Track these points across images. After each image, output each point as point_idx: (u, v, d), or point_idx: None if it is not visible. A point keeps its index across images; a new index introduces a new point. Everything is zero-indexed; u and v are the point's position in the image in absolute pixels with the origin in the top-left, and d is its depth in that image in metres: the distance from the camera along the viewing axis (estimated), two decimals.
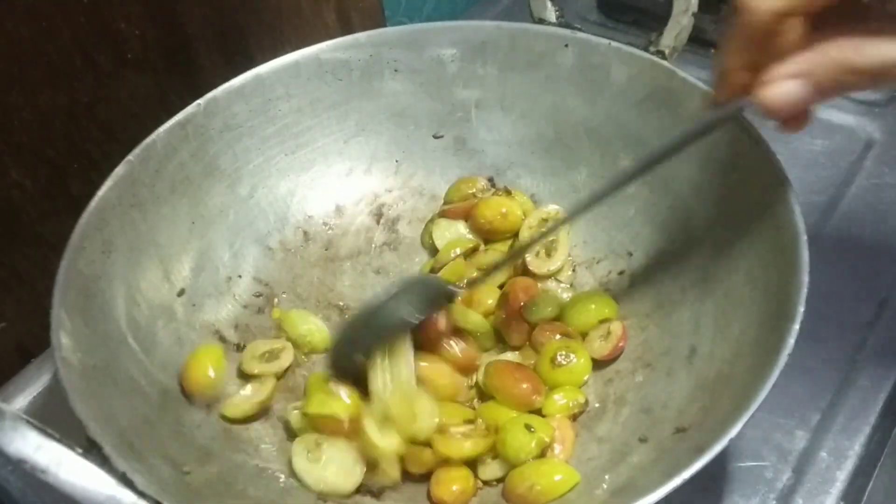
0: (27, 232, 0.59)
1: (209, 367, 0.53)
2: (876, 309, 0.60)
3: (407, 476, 0.51)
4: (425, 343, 0.53)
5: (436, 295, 0.54)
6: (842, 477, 0.52)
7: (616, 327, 0.54)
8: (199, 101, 0.58)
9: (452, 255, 0.59)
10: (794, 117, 0.42)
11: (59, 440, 0.37)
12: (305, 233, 0.63)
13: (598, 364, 0.54)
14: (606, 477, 0.47)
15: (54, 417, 0.40)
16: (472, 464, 0.50)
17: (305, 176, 0.64)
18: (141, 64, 0.61)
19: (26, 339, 0.60)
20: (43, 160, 0.58)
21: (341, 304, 0.61)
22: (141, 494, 0.38)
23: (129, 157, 0.54)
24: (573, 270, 0.60)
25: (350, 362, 0.52)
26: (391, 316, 0.51)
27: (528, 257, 0.59)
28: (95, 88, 0.59)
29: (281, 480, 0.50)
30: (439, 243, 0.62)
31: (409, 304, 0.51)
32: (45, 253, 0.51)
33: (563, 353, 0.53)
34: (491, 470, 0.50)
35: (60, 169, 0.59)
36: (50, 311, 0.46)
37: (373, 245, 0.64)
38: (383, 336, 0.51)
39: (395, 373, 0.50)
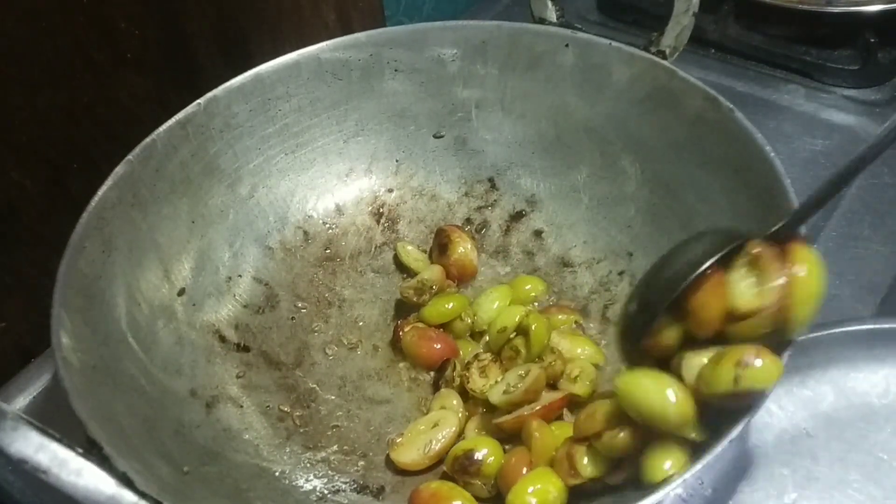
0: (27, 232, 0.58)
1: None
2: (875, 309, 0.60)
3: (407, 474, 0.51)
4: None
5: (725, 240, 0.45)
6: None
7: None
8: (199, 100, 0.58)
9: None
10: None
11: (60, 441, 0.37)
12: (305, 232, 0.63)
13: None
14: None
15: (54, 417, 0.40)
16: None
17: (305, 176, 0.64)
18: (141, 64, 0.61)
19: (26, 340, 0.60)
20: (43, 160, 0.58)
21: (341, 303, 0.61)
22: (141, 495, 0.38)
23: (130, 156, 0.54)
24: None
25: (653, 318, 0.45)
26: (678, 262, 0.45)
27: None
28: (95, 88, 0.59)
29: (281, 481, 0.50)
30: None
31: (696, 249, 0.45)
32: (45, 253, 0.51)
33: None
34: None
35: (60, 169, 0.59)
36: (50, 311, 0.46)
37: (373, 245, 0.64)
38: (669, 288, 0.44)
39: None
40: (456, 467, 0.48)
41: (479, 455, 0.48)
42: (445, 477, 0.50)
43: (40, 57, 0.55)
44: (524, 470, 0.46)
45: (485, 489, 0.48)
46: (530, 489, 0.45)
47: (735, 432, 0.39)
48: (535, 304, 0.59)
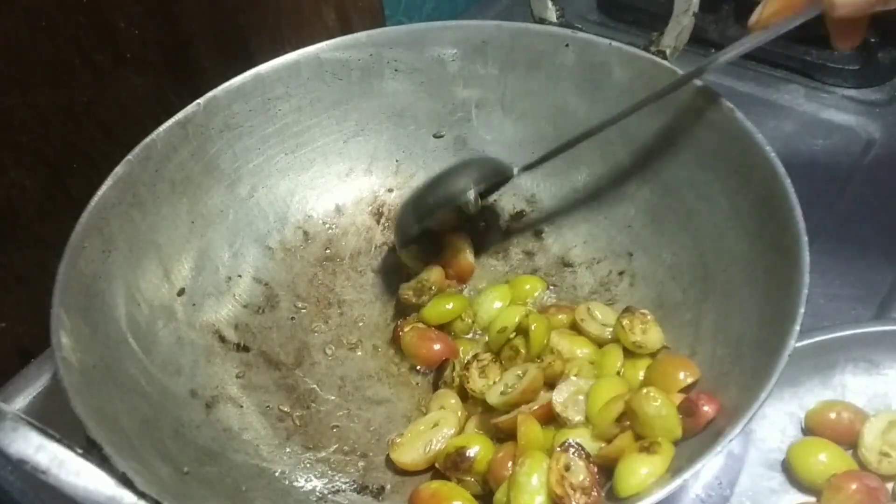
0: (26, 232, 0.59)
1: None
2: (876, 310, 0.60)
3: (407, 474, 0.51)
4: None
5: (493, 171, 0.59)
6: None
7: None
8: (198, 100, 0.58)
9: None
10: (851, 29, 0.44)
11: (59, 441, 0.37)
12: (305, 232, 0.63)
13: None
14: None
15: (53, 418, 0.40)
16: None
17: (305, 175, 0.64)
18: (140, 64, 0.61)
19: (26, 340, 0.60)
20: (42, 160, 0.58)
21: (341, 303, 0.61)
22: (141, 495, 0.38)
23: (129, 156, 0.54)
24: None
25: (411, 228, 0.59)
26: (449, 187, 0.58)
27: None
28: (95, 88, 0.59)
29: (281, 481, 0.50)
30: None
31: (467, 177, 0.57)
32: (45, 253, 0.51)
33: None
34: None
35: (60, 169, 0.59)
36: (49, 311, 0.46)
37: (373, 245, 0.64)
38: (440, 205, 0.58)
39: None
40: (448, 464, 0.49)
41: (471, 452, 0.48)
42: (437, 474, 0.50)
43: (40, 56, 0.55)
44: (509, 465, 0.46)
45: (477, 485, 0.48)
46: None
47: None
48: (535, 303, 0.59)
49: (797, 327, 0.42)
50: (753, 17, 0.48)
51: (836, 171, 0.70)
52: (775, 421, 0.53)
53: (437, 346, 0.56)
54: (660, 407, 0.44)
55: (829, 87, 0.77)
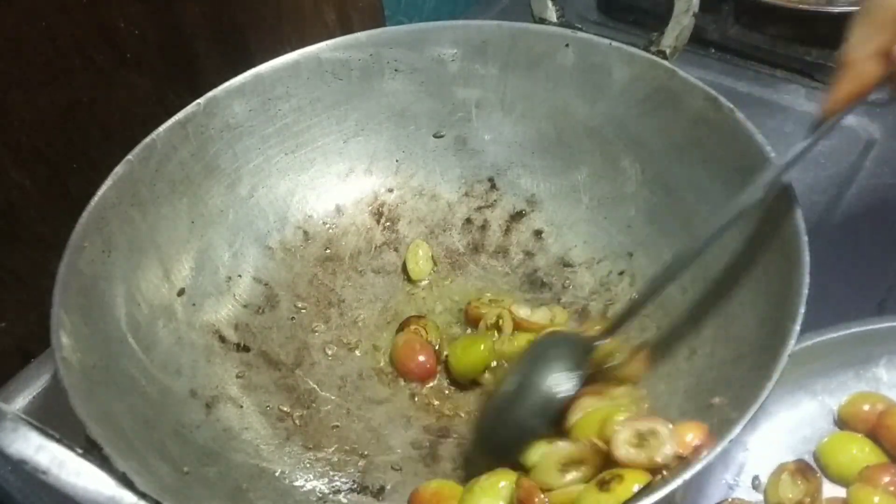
0: (27, 232, 0.59)
1: None
2: (876, 310, 0.60)
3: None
4: None
5: (576, 353, 0.49)
6: None
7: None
8: (199, 100, 0.58)
9: None
10: None
11: (59, 441, 0.37)
12: (305, 232, 0.63)
13: None
14: None
15: (53, 418, 0.40)
16: None
17: (305, 175, 0.64)
18: (140, 64, 0.61)
19: (26, 340, 0.60)
20: (42, 160, 0.58)
21: (341, 303, 0.61)
22: (141, 495, 0.38)
23: (129, 156, 0.54)
24: None
25: (500, 443, 0.48)
26: (539, 394, 0.48)
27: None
28: (95, 88, 0.59)
29: (281, 481, 0.50)
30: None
31: (553, 376, 0.48)
32: (45, 253, 0.51)
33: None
34: None
35: (60, 169, 0.59)
36: (49, 311, 0.46)
37: (373, 245, 0.64)
38: (538, 415, 0.47)
39: None
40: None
41: None
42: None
43: (40, 57, 0.55)
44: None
45: None
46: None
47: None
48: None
49: (797, 327, 0.42)
50: (826, 104, 0.44)
51: (837, 171, 0.70)
52: (807, 412, 0.53)
53: (421, 359, 0.56)
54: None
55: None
